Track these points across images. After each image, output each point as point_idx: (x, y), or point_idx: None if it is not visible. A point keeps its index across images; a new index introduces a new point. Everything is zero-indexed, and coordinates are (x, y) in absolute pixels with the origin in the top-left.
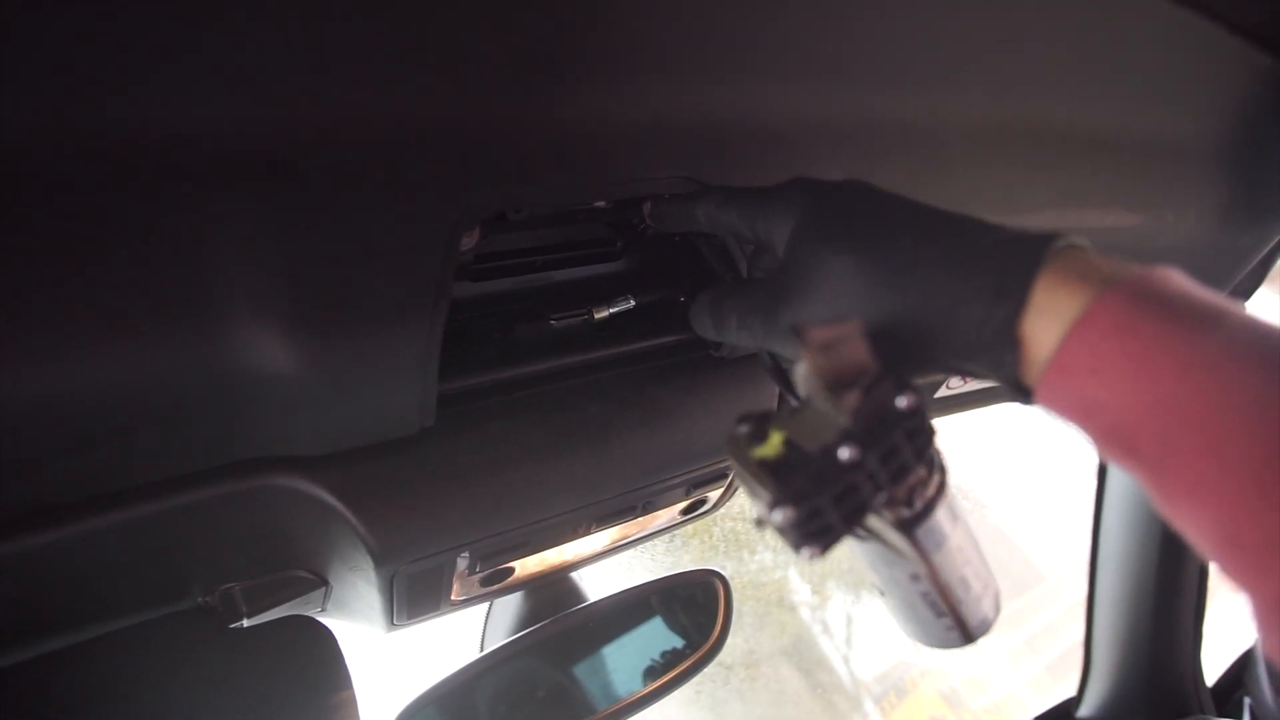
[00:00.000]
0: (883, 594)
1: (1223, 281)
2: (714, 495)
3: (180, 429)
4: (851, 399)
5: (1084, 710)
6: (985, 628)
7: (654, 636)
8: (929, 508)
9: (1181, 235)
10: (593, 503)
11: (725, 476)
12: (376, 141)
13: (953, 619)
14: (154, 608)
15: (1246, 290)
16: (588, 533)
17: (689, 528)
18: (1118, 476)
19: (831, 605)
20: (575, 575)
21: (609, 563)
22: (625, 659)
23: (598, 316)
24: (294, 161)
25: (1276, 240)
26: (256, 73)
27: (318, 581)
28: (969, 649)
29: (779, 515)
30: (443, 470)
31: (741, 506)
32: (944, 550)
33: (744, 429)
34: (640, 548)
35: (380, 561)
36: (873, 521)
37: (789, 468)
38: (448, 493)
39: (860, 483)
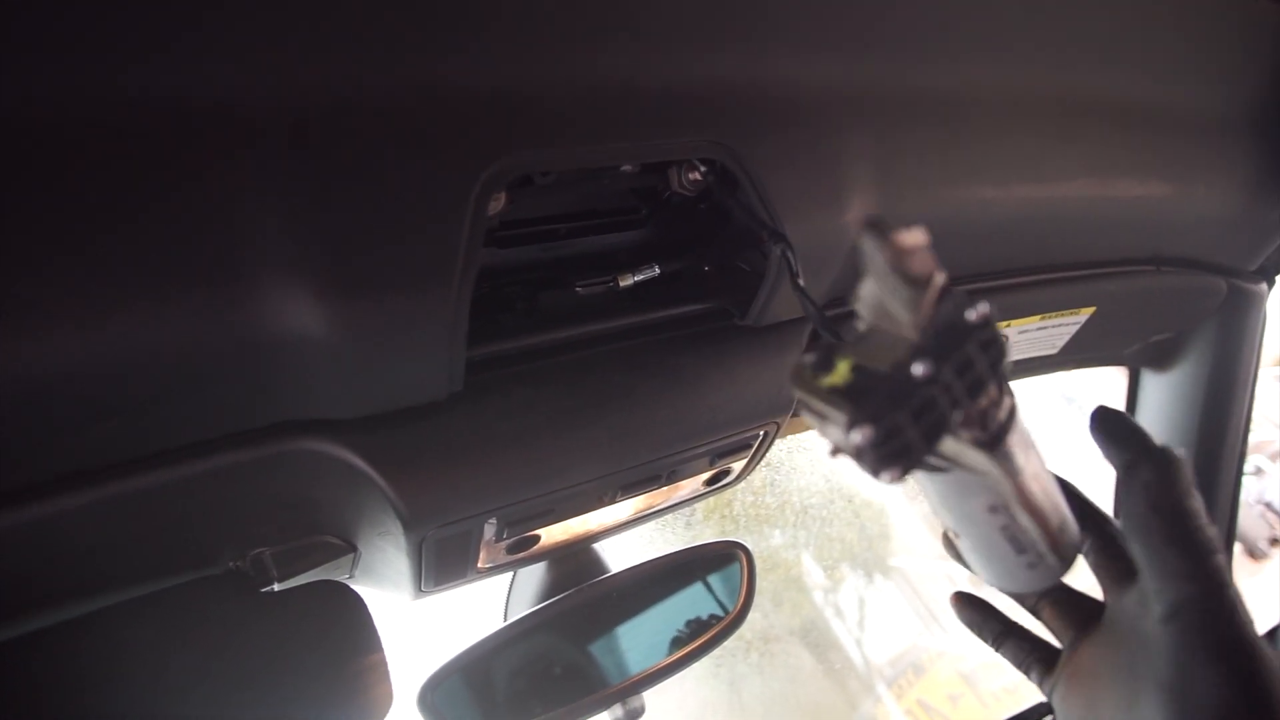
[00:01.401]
0: (957, 535)
1: (1252, 255)
2: (738, 466)
3: (211, 393)
4: (923, 310)
5: None
6: (1068, 562)
7: (677, 607)
8: (1004, 429)
9: (1211, 206)
10: (617, 471)
11: (749, 447)
12: (402, 105)
13: (1034, 554)
14: (186, 572)
15: (1277, 265)
16: (612, 501)
17: (710, 501)
18: None
19: (844, 588)
20: (598, 547)
21: (631, 534)
22: (649, 629)
23: (623, 284)
24: (319, 125)
25: None
26: (279, 37)
27: (346, 547)
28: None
29: (858, 435)
30: (471, 436)
31: (762, 481)
32: (1023, 476)
33: (809, 358)
34: (660, 523)
35: (410, 526)
36: (949, 445)
37: (862, 390)
38: (476, 458)
39: (937, 396)
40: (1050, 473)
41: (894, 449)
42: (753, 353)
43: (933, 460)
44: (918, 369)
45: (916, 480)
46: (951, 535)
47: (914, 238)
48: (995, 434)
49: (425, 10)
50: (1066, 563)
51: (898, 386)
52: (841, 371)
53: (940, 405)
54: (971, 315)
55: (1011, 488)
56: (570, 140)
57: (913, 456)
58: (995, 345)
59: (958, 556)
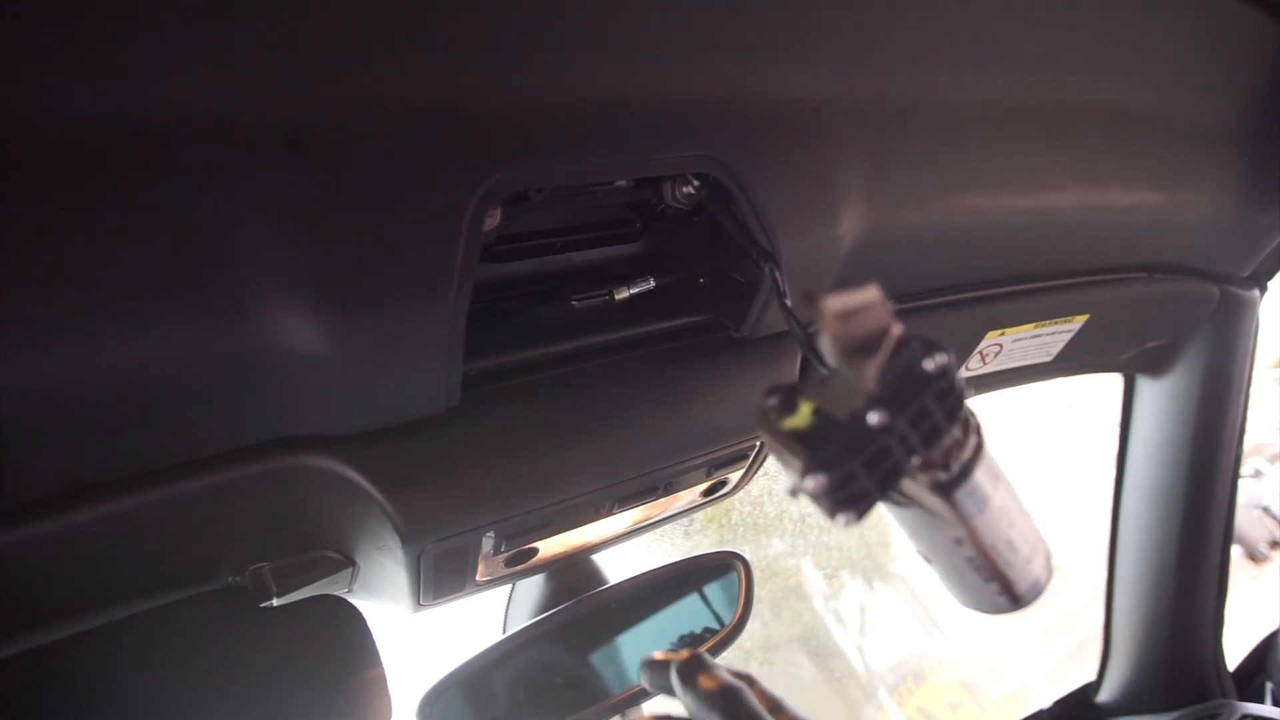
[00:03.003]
0: (928, 560)
1: (1244, 262)
2: (734, 477)
3: (210, 409)
4: (875, 364)
5: (1103, 695)
6: (1037, 591)
7: (676, 618)
8: (966, 470)
9: (1203, 213)
10: (615, 483)
11: (746, 458)
12: (398, 121)
13: (1000, 584)
14: (185, 588)
15: (1268, 271)
16: (610, 513)
17: (708, 511)
18: (1136, 460)
19: (844, 595)
20: (596, 558)
21: (629, 545)
22: (648, 640)
23: (618, 297)
24: (316, 140)
25: None
26: (276, 55)
27: (345, 562)
28: (1018, 614)
29: (811, 482)
30: (468, 450)
31: (760, 490)
32: (987, 512)
33: (773, 400)
34: (659, 533)
35: (408, 540)
36: (909, 486)
37: (820, 436)
38: (473, 472)
39: (892, 446)
40: (1020, 503)
41: (848, 495)
42: (748, 364)
43: (895, 496)
44: (873, 418)
45: (886, 510)
46: (923, 559)
47: (865, 296)
48: (956, 476)
49: (421, 28)
50: (1036, 590)
51: (854, 435)
52: (804, 414)
53: (895, 454)
54: (929, 365)
55: (968, 529)
56: (565, 156)
57: (866, 502)
58: (952, 394)
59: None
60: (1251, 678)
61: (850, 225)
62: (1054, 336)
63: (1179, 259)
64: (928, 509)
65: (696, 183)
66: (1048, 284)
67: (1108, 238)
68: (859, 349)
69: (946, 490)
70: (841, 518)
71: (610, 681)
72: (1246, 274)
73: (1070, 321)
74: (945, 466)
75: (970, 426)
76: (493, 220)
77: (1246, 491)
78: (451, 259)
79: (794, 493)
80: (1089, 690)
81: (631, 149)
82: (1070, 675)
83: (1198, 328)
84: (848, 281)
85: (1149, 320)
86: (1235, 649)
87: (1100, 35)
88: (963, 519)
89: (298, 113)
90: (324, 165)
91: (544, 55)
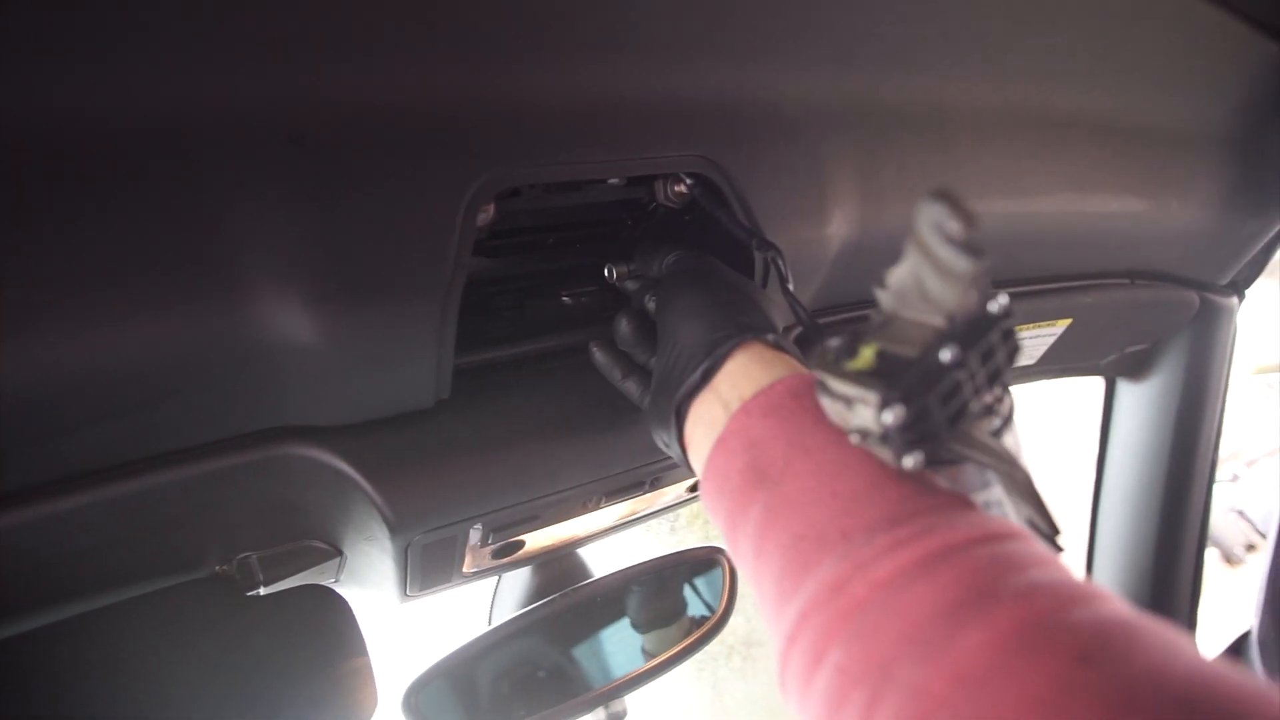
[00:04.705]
0: None
1: (1223, 270)
2: None
3: (202, 399)
4: (964, 293)
5: None
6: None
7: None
8: (1008, 422)
9: (1185, 222)
10: (602, 477)
11: None
12: (394, 117)
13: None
14: (172, 575)
15: (1246, 279)
16: (597, 507)
17: (692, 507)
18: (1115, 462)
19: None
20: (581, 552)
21: (614, 540)
22: (630, 636)
23: (608, 294)
24: (313, 136)
25: (1277, 229)
26: (274, 51)
27: (332, 552)
28: None
29: (890, 415)
30: (457, 443)
31: None
32: (1024, 466)
33: (834, 343)
34: (644, 528)
35: (396, 531)
36: (963, 436)
37: (891, 372)
38: (462, 465)
39: (963, 382)
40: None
41: (918, 434)
42: None
43: (948, 447)
44: (946, 354)
45: None
46: None
47: (972, 216)
48: (1001, 427)
49: (416, 25)
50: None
51: (926, 370)
52: (866, 357)
53: (964, 391)
54: (994, 307)
55: (1014, 477)
56: (558, 154)
57: (935, 444)
58: (1013, 337)
59: None
60: None
61: (839, 226)
62: (1037, 340)
63: (1161, 265)
64: (978, 459)
65: (689, 182)
66: (1032, 288)
67: (1092, 243)
68: (967, 265)
69: (1000, 435)
70: (909, 459)
71: (593, 675)
72: (1225, 281)
73: (1053, 325)
74: (994, 415)
75: (1006, 384)
76: (486, 215)
77: (1223, 496)
78: (445, 253)
79: (861, 435)
80: None
81: (625, 148)
82: None
83: (1177, 333)
84: (835, 282)
85: (1130, 325)
86: (1209, 650)
87: (1089, 44)
88: (1015, 466)
89: (297, 109)
90: (321, 160)
91: (539, 53)
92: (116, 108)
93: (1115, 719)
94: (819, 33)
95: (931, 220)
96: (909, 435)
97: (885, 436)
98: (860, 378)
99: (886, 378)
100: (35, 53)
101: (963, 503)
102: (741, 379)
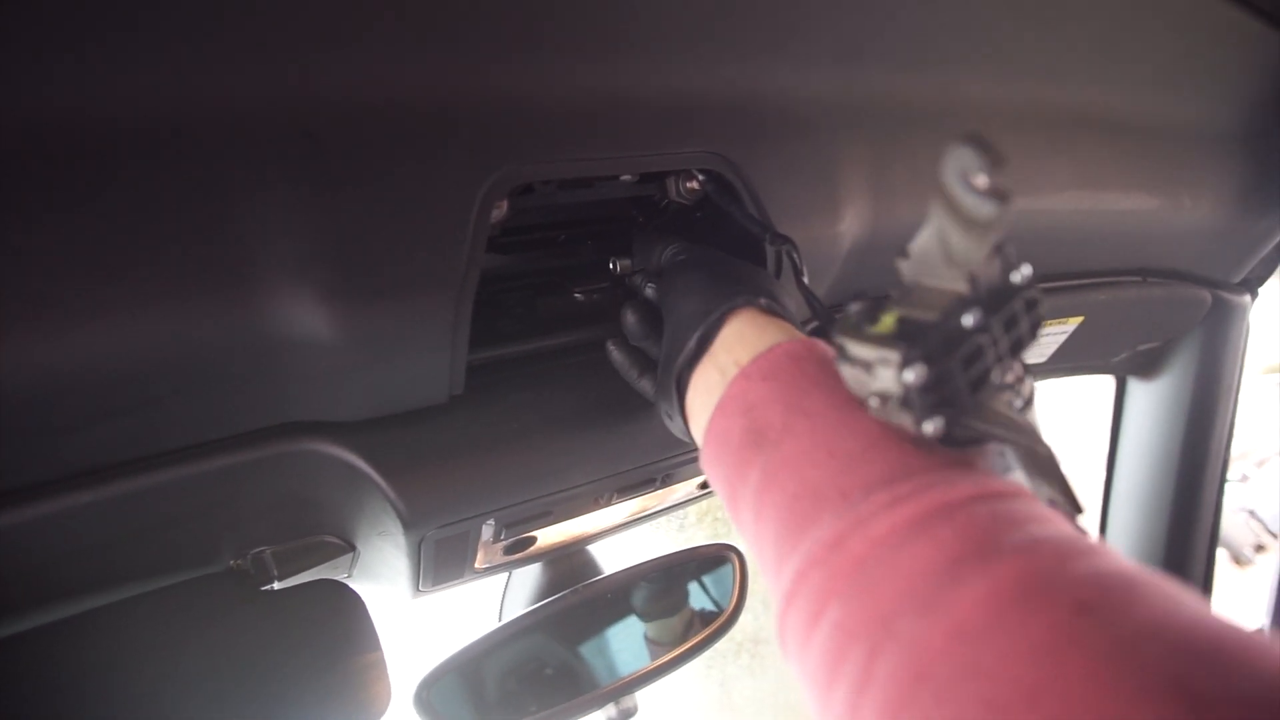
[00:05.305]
0: None
1: (1236, 268)
2: None
3: (216, 394)
4: (988, 254)
5: None
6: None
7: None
8: (1029, 404)
9: (1197, 220)
10: (614, 474)
11: None
12: (409, 113)
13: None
14: (187, 570)
15: (1259, 278)
16: (609, 504)
17: (701, 505)
18: (1125, 461)
19: None
20: (592, 549)
21: (625, 536)
22: (638, 634)
23: (619, 290)
24: (328, 132)
25: None
26: (288, 47)
27: (346, 547)
28: None
29: (911, 374)
30: (471, 439)
31: None
32: (1045, 443)
33: (855, 308)
34: (654, 525)
35: (409, 526)
36: (985, 408)
37: (913, 334)
38: (475, 461)
39: (985, 348)
40: None
41: (939, 397)
42: None
43: (967, 422)
44: (968, 319)
45: None
46: None
47: (1000, 158)
48: (1023, 405)
49: (430, 21)
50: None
51: (948, 333)
52: (886, 323)
53: (986, 357)
54: (1016, 276)
55: (1043, 452)
56: (572, 150)
57: (955, 410)
58: (1037, 307)
59: None
60: None
61: (851, 223)
62: (1049, 338)
63: (1173, 263)
64: (999, 435)
65: (701, 178)
66: (1044, 285)
67: (1104, 241)
68: (995, 213)
69: (1025, 410)
70: (930, 424)
71: (601, 672)
72: (1238, 279)
73: (1065, 323)
74: (1016, 395)
75: (1025, 365)
76: (499, 211)
77: (1233, 496)
78: (459, 249)
79: (880, 400)
80: None
81: (638, 144)
82: None
83: (1189, 332)
84: (847, 280)
85: (1142, 323)
86: None
87: (1100, 41)
88: (1037, 442)
89: (311, 104)
90: (336, 156)
91: (553, 51)
92: (130, 102)
93: (1114, 667)
94: (831, 30)
95: (958, 167)
96: (930, 398)
97: (906, 399)
98: (882, 339)
99: (908, 339)
100: (46, 48)
101: (963, 462)
102: (737, 344)
